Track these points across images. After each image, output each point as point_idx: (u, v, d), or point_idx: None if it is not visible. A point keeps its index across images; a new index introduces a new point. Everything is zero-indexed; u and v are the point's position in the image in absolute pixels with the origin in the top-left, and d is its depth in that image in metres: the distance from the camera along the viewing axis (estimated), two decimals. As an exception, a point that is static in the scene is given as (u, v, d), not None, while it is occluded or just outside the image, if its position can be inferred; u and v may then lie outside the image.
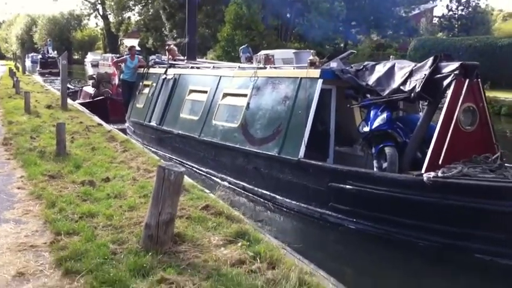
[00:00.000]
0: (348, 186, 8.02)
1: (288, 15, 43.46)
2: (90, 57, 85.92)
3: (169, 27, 58.48)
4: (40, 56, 63.32)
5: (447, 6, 49.03)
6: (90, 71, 62.35)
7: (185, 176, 8.16)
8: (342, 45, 44.90)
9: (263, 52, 33.13)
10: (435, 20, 52.30)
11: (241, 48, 19.62)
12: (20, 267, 4.61)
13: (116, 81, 18.98)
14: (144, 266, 4.39)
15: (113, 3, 72.70)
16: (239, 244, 5.00)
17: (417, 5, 46.55)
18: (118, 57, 26.02)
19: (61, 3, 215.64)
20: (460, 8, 48.37)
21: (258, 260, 4.58)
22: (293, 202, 9.08)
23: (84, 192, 6.89)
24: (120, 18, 75.07)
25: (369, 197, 7.80)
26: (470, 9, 47.89)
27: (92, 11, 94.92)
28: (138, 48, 68.89)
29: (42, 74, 52.53)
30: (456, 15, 48.31)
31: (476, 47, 28.18)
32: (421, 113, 9.04)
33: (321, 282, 4.28)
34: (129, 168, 8.44)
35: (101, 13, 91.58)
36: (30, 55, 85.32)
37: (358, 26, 45.20)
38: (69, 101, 18.72)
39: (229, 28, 40.20)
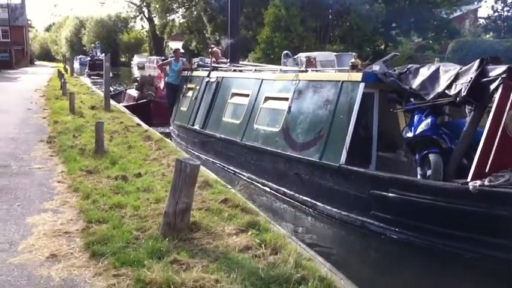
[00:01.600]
0: (390, 194, 7.70)
1: (329, 16, 43.65)
2: (136, 59, 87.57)
3: (211, 29, 59.40)
4: (89, 58, 65.47)
5: (492, 7, 48.25)
6: (136, 73, 64.05)
7: (210, 173, 8.78)
8: (382, 47, 44.78)
9: (302, 54, 33.44)
10: (480, 21, 51.42)
11: (283, 54, 19.19)
12: (54, 250, 5.22)
13: (161, 84, 19.06)
14: (161, 250, 4.94)
15: (157, 6, 74.28)
16: (249, 233, 5.50)
17: (459, 6, 45.88)
18: (163, 60, 26.67)
19: (108, 6, 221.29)
20: (505, 9, 47.48)
21: (263, 247, 5.08)
22: (334, 209, 8.80)
23: (117, 186, 7.52)
24: (164, 20, 76.60)
25: (412, 206, 7.48)
26: (516, 10, 46.96)
27: (137, 13, 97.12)
28: (182, 50, 70.30)
29: (89, 76, 54.43)
30: (502, 17, 47.39)
31: (516, 49, 27.81)
32: (467, 118, 8.62)
33: (317, 266, 4.74)
34: (160, 165, 9.04)
35: (147, 16, 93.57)
36: (78, 57, 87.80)
37: (398, 27, 45.02)
38: (112, 102, 19.55)
39: (268, 30, 40.62)
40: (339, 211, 8.71)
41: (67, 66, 52.97)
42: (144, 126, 14.78)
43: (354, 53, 10.28)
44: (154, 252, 4.89)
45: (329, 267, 4.89)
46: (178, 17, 76.18)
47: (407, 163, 9.20)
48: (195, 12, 64.38)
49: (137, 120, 16.17)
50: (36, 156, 9.96)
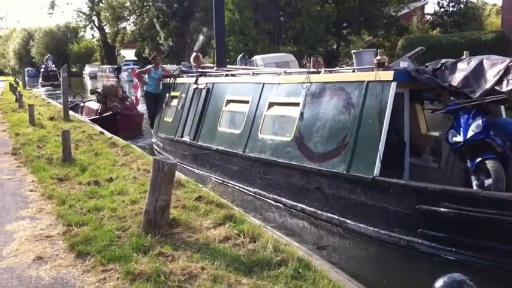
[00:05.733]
0: (443, 209, 6.70)
1: (280, 19, 44.35)
2: (88, 69, 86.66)
3: (164, 35, 59.30)
4: (42, 70, 65.20)
5: (438, 3, 49.77)
6: (88, 83, 63.71)
7: (180, 174, 9.04)
8: (334, 46, 45.80)
9: (257, 57, 33.92)
10: (427, 18, 52.99)
11: (238, 58, 18.62)
12: (38, 253, 5.38)
13: (139, 94, 17.83)
14: (145, 245, 5.19)
15: (108, 14, 73.62)
16: (226, 225, 5.80)
17: (407, 4, 47.46)
18: (115, 68, 26.51)
19: (56, 17, 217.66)
20: (451, 4, 49.11)
21: (242, 236, 5.39)
22: (369, 228, 7.71)
23: (91, 191, 7.68)
24: (115, 28, 75.91)
25: (472, 222, 6.50)
26: (461, 5, 48.66)
27: (87, 22, 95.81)
28: (134, 58, 69.90)
29: (44, 86, 54.20)
30: (448, 12, 49.03)
31: (461, 43, 28.74)
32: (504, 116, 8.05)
33: (294, 249, 5.08)
34: (130, 169, 9.22)
35: (97, 24, 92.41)
36: (26, 69, 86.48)
37: (349, 27, 46.24)
38: (71, 112, 19.46)
39: (222, 34, 40.99)
40: (375, 229, 7.64)
41: (18, 79, 52.09)
42: (107, 133, 14.83)
43: (379, 50, 8.96)
44: (139, 248, 5.13)
45: (305, 250, 5.25)
46: (130, 24, 75.71)
47: (437, 169, 8.43)
48: (147, 19, 64.09)
49: (99, 128, 16.17)
50: (3, 168, 9.97)
